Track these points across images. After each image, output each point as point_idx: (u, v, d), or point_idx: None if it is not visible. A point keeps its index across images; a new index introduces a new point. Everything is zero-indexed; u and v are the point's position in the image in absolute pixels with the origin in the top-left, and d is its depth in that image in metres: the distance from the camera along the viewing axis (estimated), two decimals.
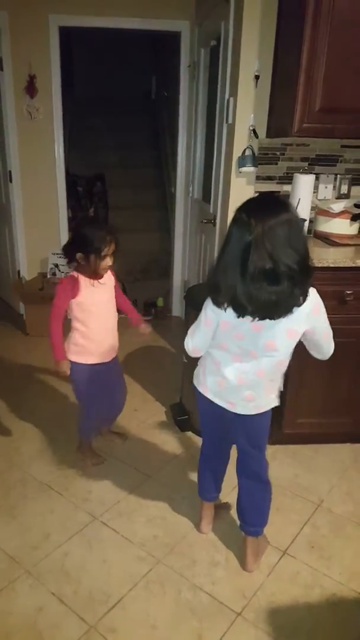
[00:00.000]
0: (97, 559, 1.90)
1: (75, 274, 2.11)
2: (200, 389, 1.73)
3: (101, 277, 2.14)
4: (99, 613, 1.69)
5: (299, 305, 1.41)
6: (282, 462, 2.49)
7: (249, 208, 1.40)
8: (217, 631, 1.64)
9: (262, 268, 1.31)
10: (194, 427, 2.70)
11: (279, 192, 2.77)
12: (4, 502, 2.17)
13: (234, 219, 1.40)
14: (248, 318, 1.44)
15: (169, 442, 2.65)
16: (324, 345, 1.59)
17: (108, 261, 2.08)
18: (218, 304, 1.49)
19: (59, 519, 2.08)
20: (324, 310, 1.51)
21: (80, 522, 2.07)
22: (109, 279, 2.20)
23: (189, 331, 1.67)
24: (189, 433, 2.71)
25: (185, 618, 1.69)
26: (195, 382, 1.77)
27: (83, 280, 2.11)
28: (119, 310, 2.29)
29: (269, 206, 1.39)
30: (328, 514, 2.18)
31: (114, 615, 1.68)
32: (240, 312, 1.43)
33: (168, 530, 2.05)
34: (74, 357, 2.18)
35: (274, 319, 1.42)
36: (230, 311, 1.47)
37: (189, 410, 2.75)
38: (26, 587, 1.77)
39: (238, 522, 1.91)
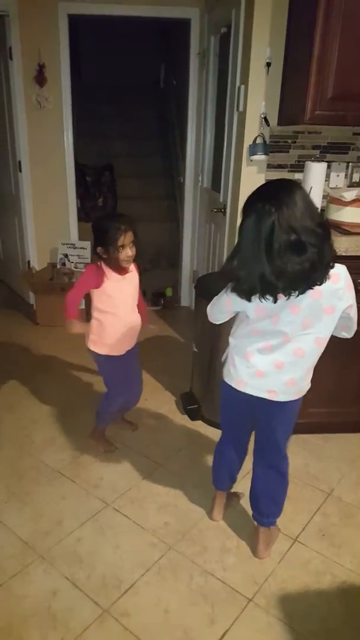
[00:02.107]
0: (109, 544, 1.93)
1: (99, 263, 2.12)
2: (234, 384, 1.72)
3: (126, 271, 2.16)
4: (112, 597, 1.71)
5: (332, 264, 1.44)
6: (292, 452, 2.47)
7: (261, 196, 1.43)
8: (229, 616, 1.66)
9: (287, 241, 1.35)
10: (204, 417, 2.72)
11: None
12: (17, 489, 2.20)
13: (250, 210, 1.42)
14: (281, 299, 1.45)
15: (179, 431, 2.67)
16: (355, 321, 1.61)
17: (128, 252, 2.08)
18: (245, 295, 1.50)
19: (71, 505, 2.11)
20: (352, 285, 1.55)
21: (93, 508, 2.09)
22: (134, 273, 2.22)
23: (213, 300, 1.70)
24: (199, 422, 2.73)
25: (197, 603, 1.71)
26: (226, 378, 1.75)
27: (109, 272, 2.12)
28: None
29: (281, 188, 1.43)
30: (338, 502, 2.19)
31: (126, 599, 1.71)
32: (271, 292, 1.44)
33: (179, 517, 2.07)
34: (106, 351, 2.22)
35: (313, 287, 1.43)
36: (263, 300, 1.47)
37: (199, 400, 2.76)
38: (40, 572, 1.80)
39: (250, 512, 1.92)
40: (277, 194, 1.40)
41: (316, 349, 1.60)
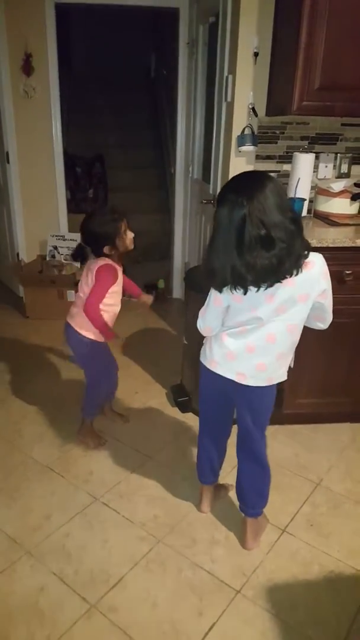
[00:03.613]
0: (98, 539, 1.93)
1: (109, 262, 2.14)
2: (207, 364, 1.72)
3: (122, 262, 2.21)
4: (100, 592, 1.71)
5: (305, 257, 1.45)
6: (281, 442, 2.51)
7: (233, 188, 1.43)
8: (217, 608, 1.67)
9: (257, 236, 1.36)
10: (195, 409, 2.72)
11: (279, 171, 2.74)
12: (5, 485, 2.19)
13: (223, 202, 1.43)
14: (252, 290, 1.46)
15: (169, 423, 2.67)
16: (329, 311, 1.62)
17: (129, 234, 2.14)
18: (218, 287, 1.51)
19: (60, 501, 2.11)
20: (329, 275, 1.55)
21: (81, 503, 2.09)
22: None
23: (200, 312, 1.68)
24: (190, 414, 2.73)
25: (186, 596, 1.71)
26: (202, 358, 1.76)
27: (117, 268, 2.17)
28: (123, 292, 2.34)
29: (253, 180, 1.43)
30: (327, 492, 2.20)
31: (115, 594, 1.71)
32: (241, 284, 1.44)
33: (168, 510, 2.07)
34: (96, 337, 2.23)
35: (282, 280, 1.44)
36: (234, 292, 1.48)
37: (190, 392, 2.76)
38: (27, 568, 1.79)
39: (238, 503, 1.93)
40: (249, 186, 1.40)
41: (288, 336, 1.60)
